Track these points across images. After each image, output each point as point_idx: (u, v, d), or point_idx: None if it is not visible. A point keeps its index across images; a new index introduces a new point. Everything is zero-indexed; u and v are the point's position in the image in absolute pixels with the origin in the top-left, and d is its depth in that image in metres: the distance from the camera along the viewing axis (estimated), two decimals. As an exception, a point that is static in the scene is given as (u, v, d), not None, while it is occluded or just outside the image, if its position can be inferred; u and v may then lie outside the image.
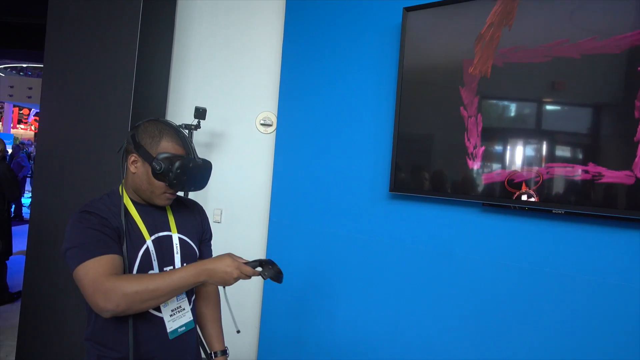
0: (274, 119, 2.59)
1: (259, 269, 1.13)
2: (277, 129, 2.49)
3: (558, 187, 1.48)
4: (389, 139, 1.94)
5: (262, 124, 2.61)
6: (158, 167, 1.08)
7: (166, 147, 1.12)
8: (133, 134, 1.14)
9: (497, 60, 1.63)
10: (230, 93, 2.66)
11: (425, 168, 1.81)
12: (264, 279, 1.12)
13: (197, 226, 1.30)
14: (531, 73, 1.56)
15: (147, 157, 1.10)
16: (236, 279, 1.07)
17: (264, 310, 2.43)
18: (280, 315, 2.34)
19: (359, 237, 2.04)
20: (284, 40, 2.48)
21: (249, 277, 1.09)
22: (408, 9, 1.85)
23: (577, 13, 1.47)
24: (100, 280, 0.97)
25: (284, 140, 2.43)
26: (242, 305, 2.56)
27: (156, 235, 1.16)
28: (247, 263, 1.10)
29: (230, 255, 1.09)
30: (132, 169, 1.14)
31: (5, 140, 4.27)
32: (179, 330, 1.17)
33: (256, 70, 2.64)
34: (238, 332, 1.26)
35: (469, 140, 1.69)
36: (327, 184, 2.20)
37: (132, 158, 1.13)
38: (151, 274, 1.06)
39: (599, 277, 1.42)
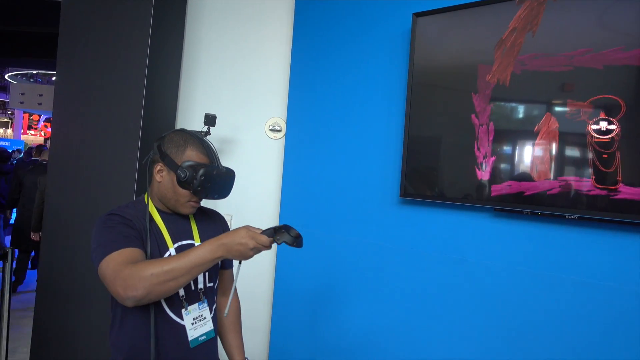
0: (283, 125, 2.60)
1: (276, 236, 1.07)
2: (287, 134, 2.49)
3: (570, 202, 1.45)
4: (399, 144, 1.94)
5: (271, 130, 2.62)
6: (183, 175, 1.11)
7: (191, 155, 1.15)
8: (159, 144, 1.17)
9: (515, 68, 1.58)
10: (239, 99, 2.67)
11: (435, 173, 1.80)
12: (278, 244, 1.05)
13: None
14: (549, 82, 1.50)
15: (172, 166, 1.13)
16: (253, 250, 1.03)
17: (274, 314, 2.43)
18: (291, 320, 2.34)
19: (370, 243, 2.04)
20: (292, 46, 2.49)
21: (266, 247, 1.05)
22: (417, 15, 1.85)
23: (604, 21, 1.41)
24: (119, 269, 0.98)
25: (293, 145, 2.44)
26: (252, 309, 2.56)
27: (179, 243, 1.18)
28: (263, 232, 1.06)
29: (245, 227, 1.07)
30: (157, 178, 1.17)
31: (17, 147, 4.35)
32: (200, 339, 1.17)
33: (265, 76, 2.65)
34: (225, 315, 1.29)
35: (479, 149, 1.65)
36: (337, 190, 2.20)
37: (158, 167, 1.16)
38: (168, 257, 1.06)
39: (615, 283, 1.40)
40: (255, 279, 2.55)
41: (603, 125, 1.41)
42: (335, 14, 2.28)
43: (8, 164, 5.62)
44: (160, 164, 1.16)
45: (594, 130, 1.42)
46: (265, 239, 1.04)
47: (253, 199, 2.63)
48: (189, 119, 2.71)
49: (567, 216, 1.48)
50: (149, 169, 1.19)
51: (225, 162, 2.64)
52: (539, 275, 1.56)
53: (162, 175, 1.16)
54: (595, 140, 1.42)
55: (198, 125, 2.51)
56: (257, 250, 1.04)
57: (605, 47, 1.40)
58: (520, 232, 1.62)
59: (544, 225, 1.56)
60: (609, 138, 1.39)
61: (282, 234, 1.05)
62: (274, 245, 2.62)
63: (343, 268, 2.13)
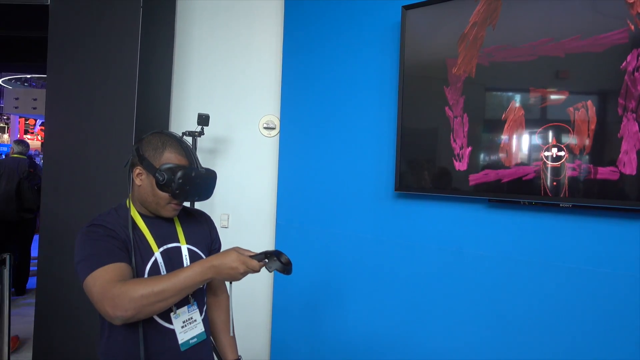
0: (277, 122, 2.59)
1: (266, 261, 1.10)
2: (281, 131, 2.49)
3: (547, 185, 1.48)
4: (393, 137, 1.93)
5: (265, 128, 2.62)
6: (161, 178, 1.09)
7: (169, 158, 1.13)
8: (137, 147, 1.16)
9: (482, 60, 1.63)
10: (232, 98, 2.67)
11: (429, 166, 1.81)
12: (270, 271, 1.09)
13: (206, 236, 1.30)
14: (517, 72, 1.56)
15: (151, 169, 1.12)
16: (243, 274, 1.05)
17: (274, 311, 2.44)
18: (291, 316, 2.35)
19: (367, 237, 2.04)
20: (284, 43, 2.48)
21: (257, 270, 1.07)
22: (407, 7, 1.84)
23: (560, 12, 1.48)
24: (107, 288, 0.97)
25: (287, 142, 2.44)
26: (252, 306, 2.58)
27: (165, 247, 1.16)
28: (253, 256, 1.08)
29: (236, 249, 1.07)
30: (137, 181, 1.15)
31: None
32: (191, 341, 1.17)
33: (257, 73, 2.64)
34: (232, 336, 1.30)
35: (455, 141, 1.70)
36: (333, 185, 2.20)
37: (137, 171, 1.15)
38: (158, 276, 1.05)
39: (610, 270, 1.41)
40: (254, 275, 2.56)
41: (569, 109, 1.46)
42: (326, 9, 2.27)
43: None
44: (139, 167, 1.14)
45: (560, 114, 1.48)
46: (255, 263, 1.06)
47: (249, 198, 2.63)
48: (183, 119, 2.70)
49: (561, 205, 1.48)
50: (129, 172, 1.17)
51: (220, 161, 2.65)
52: (534, 263, 1.56)
53: (141, 179, 1.14)
54: (563, 124, 1.46)
55: (192, 126, 2.50)
56: (246, 273, 1.06)
57: (564, 36, 1.46)
58: (515, 221, 1.62)
59: (537, 215, 1.57)
60: (574, 121, 1.44)
61: (274, 262, 1.08)
62: (272, 240, 2.63)
63: (341, 262, 2.14)
